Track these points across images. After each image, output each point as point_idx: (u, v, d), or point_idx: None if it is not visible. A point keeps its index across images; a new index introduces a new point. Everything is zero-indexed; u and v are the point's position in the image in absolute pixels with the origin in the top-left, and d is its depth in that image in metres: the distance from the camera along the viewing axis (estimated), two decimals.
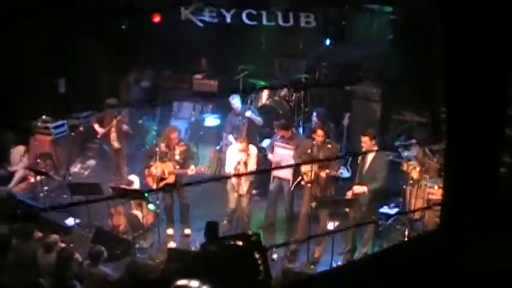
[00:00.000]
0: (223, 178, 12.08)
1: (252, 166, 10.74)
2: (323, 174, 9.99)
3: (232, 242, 2.83)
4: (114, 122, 12.35)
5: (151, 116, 15.12)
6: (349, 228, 10.30)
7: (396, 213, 11.38)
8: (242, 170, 10.53)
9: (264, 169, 11.78)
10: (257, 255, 2.82)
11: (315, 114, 12.47)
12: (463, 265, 2.94)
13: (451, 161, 3.23)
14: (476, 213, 3.00)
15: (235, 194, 10.81)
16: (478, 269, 2.92)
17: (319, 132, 10.20)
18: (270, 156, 11.22)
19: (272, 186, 11.22)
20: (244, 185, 10.72)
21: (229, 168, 10.91)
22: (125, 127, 12.51)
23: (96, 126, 12.55)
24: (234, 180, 10.78)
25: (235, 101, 12.48)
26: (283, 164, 10.87)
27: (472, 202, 3.00)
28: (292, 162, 10.58)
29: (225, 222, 10.92)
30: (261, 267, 2.81)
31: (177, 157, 10.76)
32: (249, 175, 10.76)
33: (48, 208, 11.51)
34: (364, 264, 3.38)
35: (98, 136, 12.74)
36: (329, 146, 10.32)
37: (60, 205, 11.87)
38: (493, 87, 3.12)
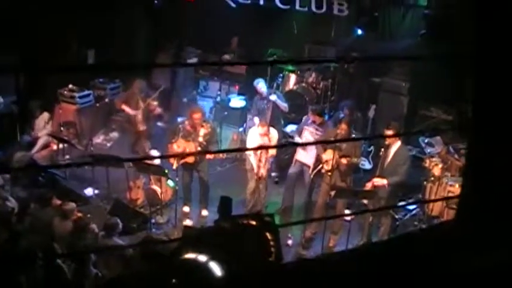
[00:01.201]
0: (245, 150, 12.04)
1: (273, 150, 10.74)
2: (344, 161, 9.94)
3: (245, 221, 2.81)
4: (143, 105, 11.88)
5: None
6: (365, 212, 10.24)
7: (414, 203, 11.33)
8: (263, 154, 10.54)
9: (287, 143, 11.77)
10: (270, 236, 2.80)
11: (346, 108, 12.41)
12: (477, 259, 2.90)
13: (473, 154, 3.19)
14: (494, 209, 2.96)
15: (255, 176, 10.79)
16: (491, 266, 2.88)
17: (343, 126, 10.12)
18: (297, 139, 11.21)
19: (292, 170, 11.17)
20: (263, 168, 10.70)
21: (249, 151, 10.92)
22: (158, 110, 12.15)
23: (127, 108, 12.03)
24: (253, 162, 10.76)
25: (261, 86, 12.41)
26: (308, 149, 10.82)
27: (491, 197, 2.97)
28: (317, 149, 10.53)
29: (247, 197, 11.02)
30: (272, 249, 2.79)
31: (201, 139, 10.68)
32: (269, 159, 10.77)
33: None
34: (376, 249, 3.35)
35: (129, 116, 12.20)
36: (352, 136, 10.30)
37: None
38: None
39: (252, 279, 2.66)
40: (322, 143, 10.45)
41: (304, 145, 10.91)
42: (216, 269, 2.55)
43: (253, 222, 2.76)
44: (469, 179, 3.27)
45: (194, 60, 15.55)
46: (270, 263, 2.74)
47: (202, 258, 2.56)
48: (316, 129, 10.81)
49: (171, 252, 2.85)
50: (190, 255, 2.61)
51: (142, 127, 11.97)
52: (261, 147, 10.60)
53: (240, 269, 2.61)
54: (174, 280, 2.58)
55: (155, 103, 11.96)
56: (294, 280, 2.75)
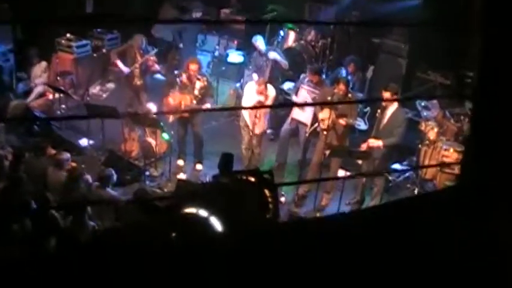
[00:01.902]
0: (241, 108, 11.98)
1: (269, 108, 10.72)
2: (342, 121, 9.90)
3: (244, 177, 2.81)
4: (140, 59, 11.60)
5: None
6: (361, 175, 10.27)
7: (407, 170, 11.35)
8: (259, 111, 10.50)
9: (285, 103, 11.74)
10: (268, 193, 2.80)
11: (352, 64, 12.33)
12: (473, 228, 2.91)
13: (476, 118, 3.17)
14: (495, 177, 2.95)
15: (249, 132, 10.76)
16: (488, 235, 2.89)
17: (341, 86, 10.02)
18: (293, 97, 11.15)
19: (286, 127, 11.11)
20: (259, 125, 10.66)
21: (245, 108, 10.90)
22: (156, 67, 11.96)
23: (120, 64, 11.74)
24: (248, 119, 10.72)
25: (259, 43, 12.33)
26: (304, 108, 10.77)
27: (492, 164, 2.96)
28: (314, 107, 10.49)
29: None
30: (270, 205, 2.79)
31: (196, 92, 10.62)
32: (264, 117, 10.73)
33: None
34: (370, 214, 3.35)
35: (121, 74, 11.92)
36: (349, 95, 10.23)
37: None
38: None
39: (250, 234, 2.67)
40: (319, 105, 10.38)
41: (300, 105, 10.86)
42: (216, 223, 2.55)
43: (253, 179, 2.76)
44: (471, 143, 3.26)
45: (199, 14, 15.36)
46: (268, 219, 2.75)
47: (202, 213, 2.56)
48: (314, 88, 10.76)
49: (171, 205, 2.85)
50: (190, 210, 2.61)
51: (139, 81, 11.75)
52: (257, 107, 10.55)
53: (239, 224, 2.62)
54: (173, 234, 2.59)
55: (153, 58, 11.79)
56: (292, 238, 2.76)
